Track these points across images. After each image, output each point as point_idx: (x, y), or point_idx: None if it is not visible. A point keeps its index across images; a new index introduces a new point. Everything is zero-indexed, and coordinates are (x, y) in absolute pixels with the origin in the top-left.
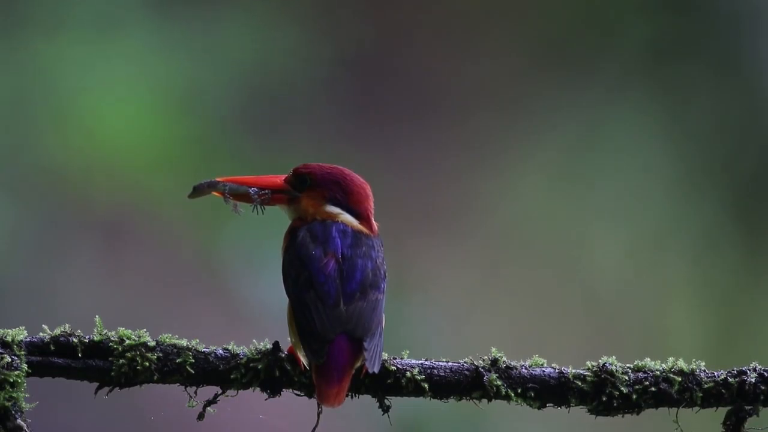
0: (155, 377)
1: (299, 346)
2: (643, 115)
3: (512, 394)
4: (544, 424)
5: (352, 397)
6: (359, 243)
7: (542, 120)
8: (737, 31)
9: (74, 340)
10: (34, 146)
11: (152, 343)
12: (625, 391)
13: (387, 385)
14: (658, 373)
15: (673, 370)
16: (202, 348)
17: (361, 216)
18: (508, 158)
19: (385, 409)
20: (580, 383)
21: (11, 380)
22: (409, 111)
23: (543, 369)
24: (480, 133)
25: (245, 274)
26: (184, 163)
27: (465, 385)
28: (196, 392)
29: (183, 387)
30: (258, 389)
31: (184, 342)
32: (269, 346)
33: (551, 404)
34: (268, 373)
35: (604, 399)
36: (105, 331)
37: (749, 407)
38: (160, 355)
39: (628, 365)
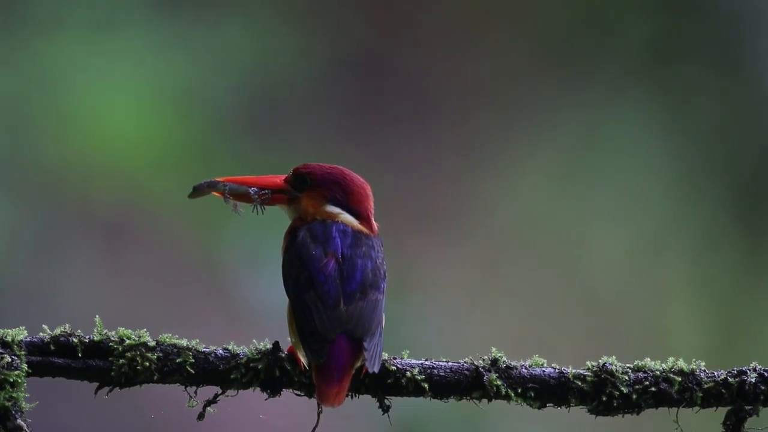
0: (155, 377)
1: (299, 346)
2: (643, 115)
3: (512, 394)
4: (544, 424)
5: (352, 397)
6: (359, 243)
7: (542, 120)
8: (737, 31)
9: (74, 340)
10: (34, 146)
11: (152, 343)
12: (625, 391)
13: (387, 385)
14: (658, 373)
15: (673, 370)
16: (202, 348)
17: (361, 216)
18: (508, 158)
19: (385, 409)
20: (580, 383)
21: (11, 380)
22: (409, 111)
23: (543, 369)
24: (480, 133)
25: (245, 274)
26: (184, 163)
27: (465, 385)
28: (196, 392)
29: (183, 387)
30: (258, 389)
31: (184, 342)
32: (269, 346)
33: (551, 404)
34: (268, 373)
35: (604, 399)
36: (105, 331)
37: (749, 407)
38: (160, 355)
39: (628, 365)
